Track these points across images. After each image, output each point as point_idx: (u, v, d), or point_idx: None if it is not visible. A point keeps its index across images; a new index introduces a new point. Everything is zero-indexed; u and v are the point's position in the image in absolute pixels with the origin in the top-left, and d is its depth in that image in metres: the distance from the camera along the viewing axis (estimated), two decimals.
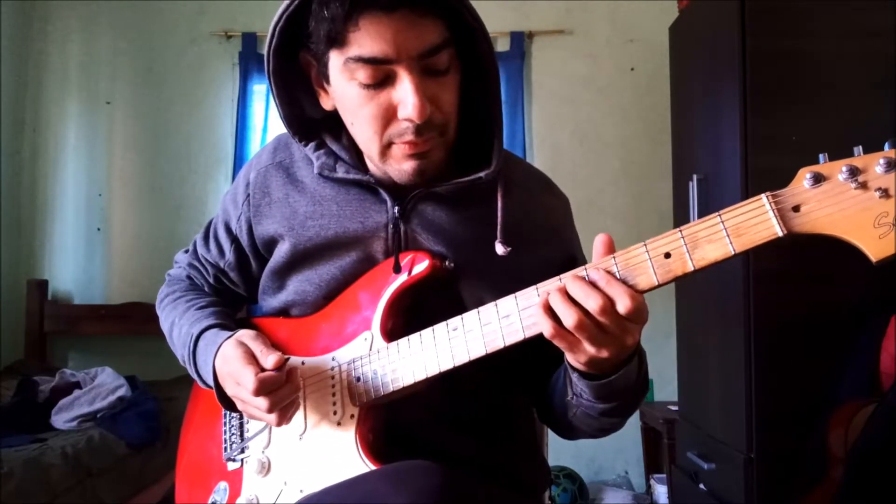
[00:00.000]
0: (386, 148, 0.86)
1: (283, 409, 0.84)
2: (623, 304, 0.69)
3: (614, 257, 0.72)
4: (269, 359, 0.83)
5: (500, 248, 0.86)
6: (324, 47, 0.82)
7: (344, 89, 0.85)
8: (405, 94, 0.80)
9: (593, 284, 0.70)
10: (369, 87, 0.82)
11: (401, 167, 0.86)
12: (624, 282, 0.70)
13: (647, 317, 0.71)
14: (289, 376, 0.85)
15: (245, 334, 0.89)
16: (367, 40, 0.79)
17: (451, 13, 0.81)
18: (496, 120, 0.90)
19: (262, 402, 0.81)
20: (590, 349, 0.71)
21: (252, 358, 0.84)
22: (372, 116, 0.84)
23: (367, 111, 0.83)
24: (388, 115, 0.83)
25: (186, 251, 1.13)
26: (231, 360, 0.85)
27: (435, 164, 0.87)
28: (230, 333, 0.91)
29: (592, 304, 0.69)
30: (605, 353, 0.72)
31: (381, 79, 0.81)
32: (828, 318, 1.89)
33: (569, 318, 0.70)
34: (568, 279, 0.72)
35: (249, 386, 0.80)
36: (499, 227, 0.88)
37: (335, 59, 0.83)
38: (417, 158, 0.85)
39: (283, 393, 0.83)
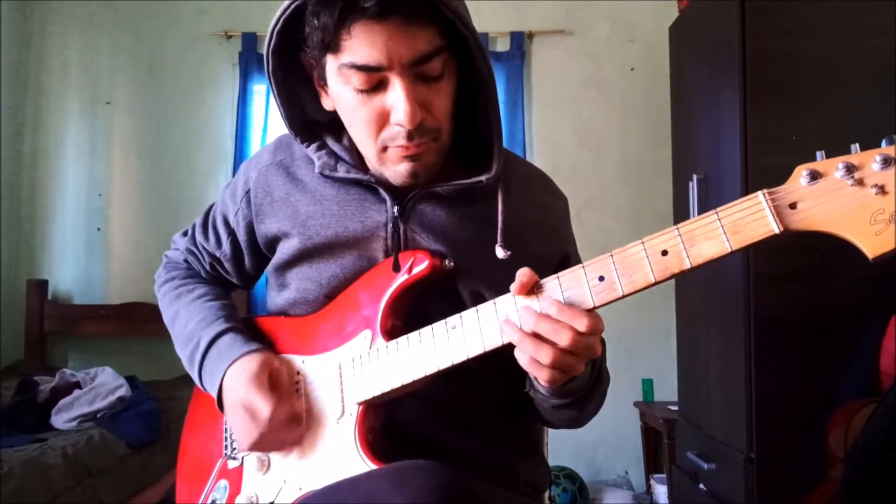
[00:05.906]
0: (381, 151, 0.87)
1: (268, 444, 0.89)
2: (581, 325, 0.72)
3: (559, 277, 0.76)
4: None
5: (500, 252, 0.87)
6: (318, 53, 0.83)
7: (340, 93, 0.86)
8: (397, 100, 0.81)
9: (548, 317, 0.74)
10: (363, 92, 0.83)
11: (396, 169, 0.88)
12: (570, 303, 0.74)
13: (603, 325, 0.75)
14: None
15: (272, 357, 0.92)
16: (360, 48, 0.79)
17: (444, 18, 0.81)
18: (495, 125, 0.90)
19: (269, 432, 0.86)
20: (567, 374, 0.76)
21: (274, 387, 0.88)
22: (366, 120, 0.85)
23: (361, 115, 0.85)
24: (382, 120, 0.84)
25: (185, 233, 1.13)
26: (252, 382, 0.88)
27: (429, 168, 0.88)
28: (246, 348, 0.92)
29: (564, 339, 0.72)
30: (580, 371, 0.77)
31: (375, 84, 0.82)
32: (828, 318, 1.89)
33: (546, 357, 0.73)
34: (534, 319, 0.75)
35: (266, 413, 0.85)
36: (499, 231, 0.88)
37: (331, 64, 0.84)
38: (411, 161, 0.86)
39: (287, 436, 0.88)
